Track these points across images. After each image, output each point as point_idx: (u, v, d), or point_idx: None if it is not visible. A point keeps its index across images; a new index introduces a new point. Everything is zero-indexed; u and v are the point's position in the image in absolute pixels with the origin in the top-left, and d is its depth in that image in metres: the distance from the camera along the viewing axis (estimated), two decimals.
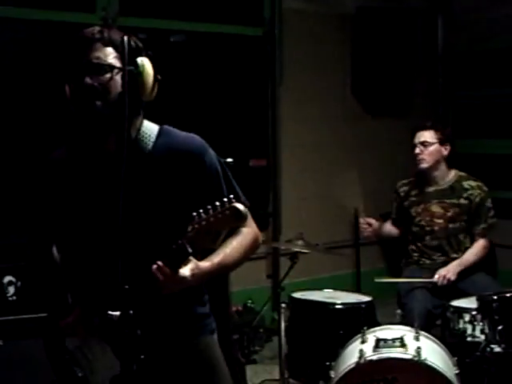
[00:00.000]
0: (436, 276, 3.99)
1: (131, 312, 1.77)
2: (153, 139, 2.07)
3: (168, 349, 2.11)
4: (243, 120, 5.37)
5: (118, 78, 1.95)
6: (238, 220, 1.78)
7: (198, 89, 5.13)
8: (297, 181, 5.79)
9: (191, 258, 1.90)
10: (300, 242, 3.94)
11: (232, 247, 2.08)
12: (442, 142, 4.21)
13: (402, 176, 4.55)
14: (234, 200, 1.78)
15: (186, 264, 1.90)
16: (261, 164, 5.52)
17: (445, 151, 4.22)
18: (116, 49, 1.96)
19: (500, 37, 6.05)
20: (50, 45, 4.47)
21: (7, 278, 3.63)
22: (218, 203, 1.78)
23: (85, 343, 2.07)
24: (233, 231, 2.09)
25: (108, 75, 1.95)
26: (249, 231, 2.15)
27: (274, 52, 5.60)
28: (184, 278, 1.90)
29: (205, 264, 1.97)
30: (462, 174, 4.30)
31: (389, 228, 4.45)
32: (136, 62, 1.95)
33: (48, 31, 4.51)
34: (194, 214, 1.81)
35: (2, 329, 3.56)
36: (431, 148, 4.19)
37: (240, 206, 1.77)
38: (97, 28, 1.99)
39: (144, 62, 1.97)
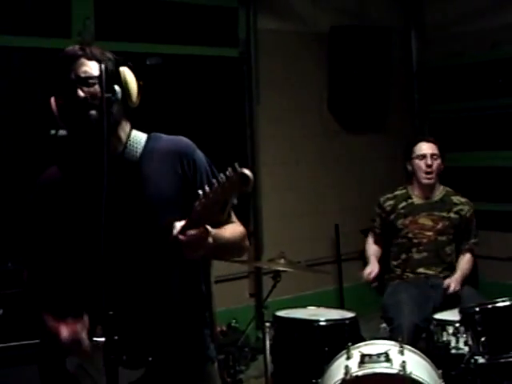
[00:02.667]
0: (446, 283, 4.03)
1: (116, 338, 1.77)
2: (142, 145, 2.14)
3: (173, 373, 2.13)
4: (221, 140, 5.38)
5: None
6: (245, 184, 1.72)
7: (176, 111, 5.15)
8: (277, 199, 5.80)
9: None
10: (282, 261, 3.94)
11: (227, 231, 2.13)
12: (442, 158, 4.29)
13: (381, 191, 4.57)
14: (238, 166, 1.74)
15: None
16: None
17: (442, 166, 4.30)
18: (99, 62, 2.05)
19: (473, 51, 6.14)
20: (26, 71, 4.47)
21: None
22: (222, 175, 1.76)
23: (86, 359, 2.05)
24: (222, 224, 2.13)
25: (97, 86, 2.03)
26: (238, 224, 2.24)
27: (250, 72, 5.64)
28: (208, 231, 1.90)
29: (214, 232, 1.98)
30: (449, 189, 4.35)
31: (376, 249, 4.41)
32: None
33: (24, 57, 4.51)
34: (199, 191, 1.82)
35: None
36: (438, 161, 4.26)
37: (246, 171, 1.72)
38: (77, 46, 2.09)
39: (125, 72, 2.08)
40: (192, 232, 1.87)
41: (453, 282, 4.04)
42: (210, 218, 1.84)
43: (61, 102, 2.05)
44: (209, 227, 1.91)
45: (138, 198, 2.08)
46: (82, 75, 2.03)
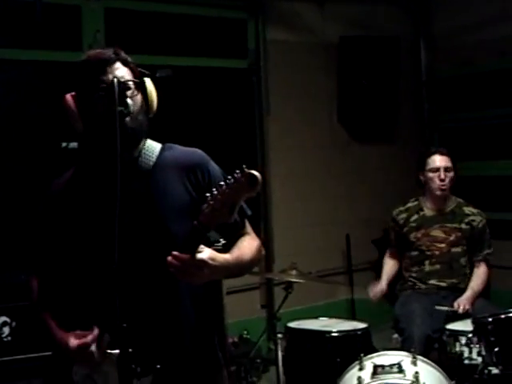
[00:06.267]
0: (456, 305, 3.97)
1: (130, 350, 1.77)
2: (156, 154, 2.14)
3: (181, 382, 2.11)
4: (231, 152, 5.38)
5: (138, 94, 2.06)
6: (253, 186, 1.72)
7: (186, 123, 5.16)
8: (287, 210, 5.80)
9: (207, 248, 1.90)
10: (294, 272, 3.93)
11: (244, 246, 2.14)
12: (454, 169, 4.26)
13: (391, 201, 4.57)
14: (246, 168, 1.74)
15: (202, 250, 1.89)
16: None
17: (454, 178, 4.26)
18: (130, 68, 2.07)
19: (482, 61, 6.13)
20: (38, 84, 4.50)
21: (1, 319, 3.61)
22: (230, 176, 1.75)
23: (94, 369, 2.02)
24: (237, 239, 2.15)
25: (131, 91, 2.04)
26: (253, 237, 2.23)
27: (259, 83, 5.65)
28: (203, 261, 1.88)
29: (224, 256, 1.99)
30: (461, 200, 4.33)
31: (392, 264, 4.41)
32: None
33: (36, 71, 4.54)
34: (208, 194, 1.80)
35: None
36: (451, 174, 4.22)
37: (254, 172, 1.72)
38: (109, 49, 2.07)
39: (147, 82, 2.07)
40: (185, 259, 1.84)
41: (462, 303, 3.98)
42: (218, 221, 1.82)
43: (86, 102, 2.02)
44: (206, 257, 1.88)
45: (149, 206, 2.07)
46: (122, 79, 2.01)
